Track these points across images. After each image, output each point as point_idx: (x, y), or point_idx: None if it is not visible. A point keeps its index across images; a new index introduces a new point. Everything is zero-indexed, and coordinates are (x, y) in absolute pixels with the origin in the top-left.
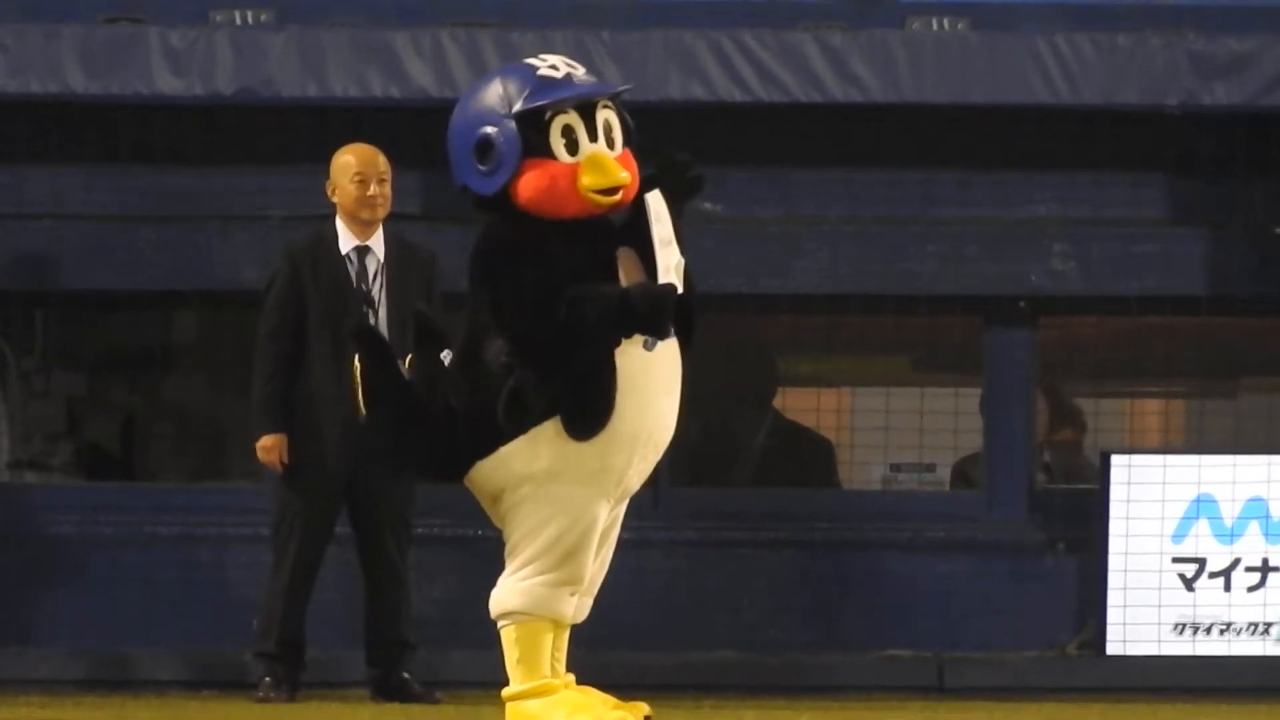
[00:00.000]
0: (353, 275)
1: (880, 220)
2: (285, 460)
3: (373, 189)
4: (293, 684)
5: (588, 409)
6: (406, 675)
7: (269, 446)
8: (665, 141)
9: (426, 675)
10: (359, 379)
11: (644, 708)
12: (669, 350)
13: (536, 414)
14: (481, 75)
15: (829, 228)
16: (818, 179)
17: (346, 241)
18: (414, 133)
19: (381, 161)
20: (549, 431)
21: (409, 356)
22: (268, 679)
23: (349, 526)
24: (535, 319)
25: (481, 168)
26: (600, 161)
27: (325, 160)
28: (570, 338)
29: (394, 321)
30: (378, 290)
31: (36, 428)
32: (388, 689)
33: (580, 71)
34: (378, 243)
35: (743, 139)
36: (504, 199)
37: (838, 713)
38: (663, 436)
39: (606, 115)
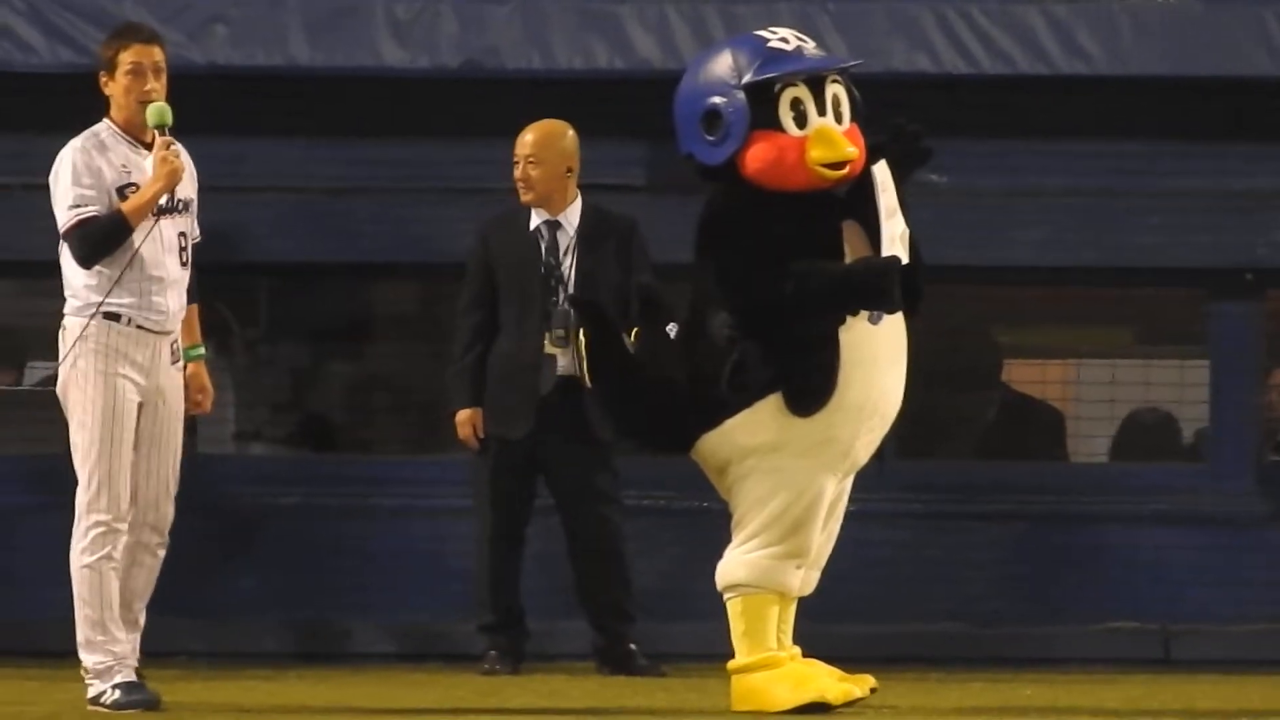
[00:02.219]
0: (542, 249)
1: (1103, 192)
2: (480, 434)
3: (518, 171)
4: (516, 656)
5: (810, 384)
6: (633, 647)
7: (464, 420)
8: (889, 113)
9: (651, 648)
10: (583, 351)
11: (870, 680)
12: (894, 322)
13: (760, 387)
14: (709, 45)
15: (1051, 199)
16: (1041, 150)
17: (537, 216)
18: (638, 105)
19: (528, 142)
20: (773, 404)
21: (633, 329)
22: (492, 652)
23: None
24: (760, 292)
25: (709, 137)
26: (828, 135)
27: None
28: (795, 312)
29: (582, 295)
30: (567, 265)
31: (261, 399)
32: (614, 661)
33: (810, 45)
34: (570, 216)
35: (967, 110)
36: (730, 169)
37: (1061, 685)
38: (889, 409)
39: (835, 89)
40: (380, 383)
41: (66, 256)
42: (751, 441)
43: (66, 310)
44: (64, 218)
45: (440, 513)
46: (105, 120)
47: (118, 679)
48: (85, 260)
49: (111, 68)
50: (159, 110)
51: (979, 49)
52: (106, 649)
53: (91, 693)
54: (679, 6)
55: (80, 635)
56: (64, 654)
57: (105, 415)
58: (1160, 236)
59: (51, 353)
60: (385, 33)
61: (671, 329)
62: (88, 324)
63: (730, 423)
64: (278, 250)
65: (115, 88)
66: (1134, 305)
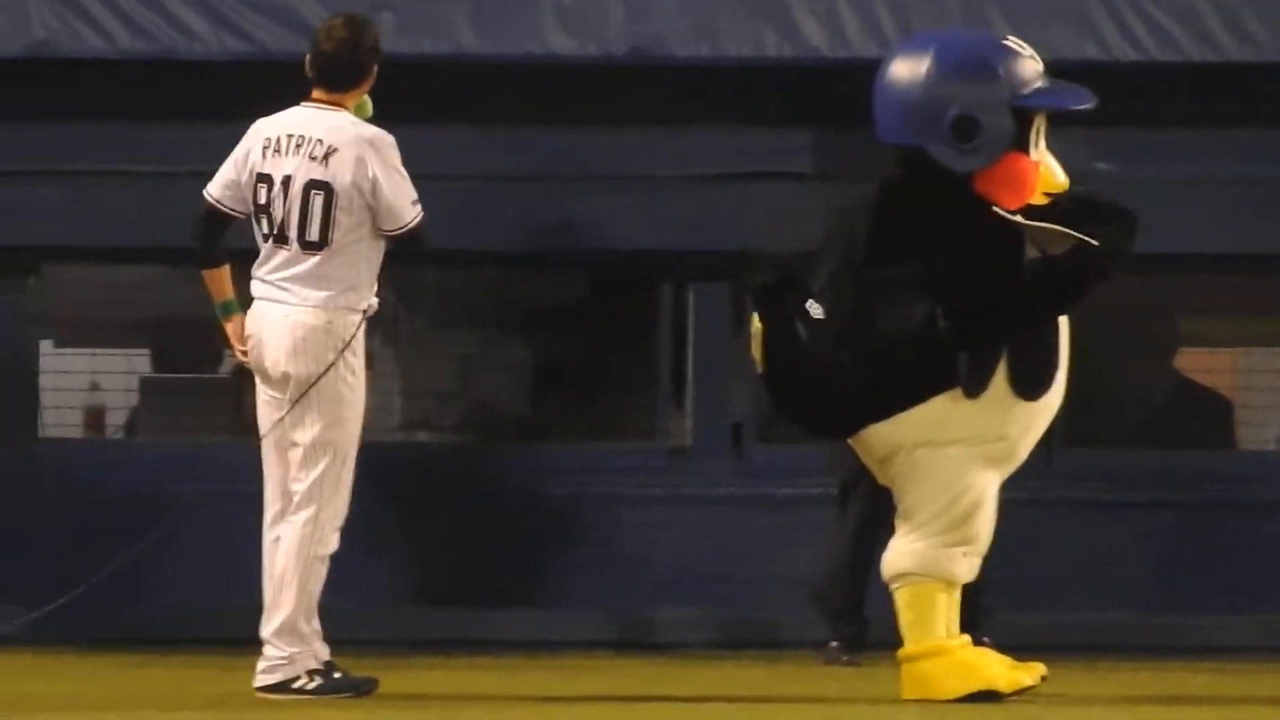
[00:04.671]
0: None
1: (1274, 179)
2: None
3: None
4: (858, 647)
5: (1042, 369)
6: (986, 640)
7: None
8: None
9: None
10: (759, 338)
11: (1039, 668)
12: (1061, 321)
13: (986, 381)
14: (941, 32)
15: (1222, 186)
16: (1211, 137)
17: None
18: (806, 92)
19: None
20: (947, 398)
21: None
22: (834, 643)
23: None
24: (999, 288)
25: (959, 144)
26: (1052, 167)
27: (717, 120)
28: (1032, 305)
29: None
30: None
31: (426, 387)
32: None
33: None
34: None
35: (1137, 98)
36: (956, 174)
37: (1230, 674)
38: (1055, 406)
39: None
40: (547, 371)
41: (345, 255)
42: (926, 434)
43: (327, 305)
44: (413, 212)
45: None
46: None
47: (312, 665)
48: (425, 254)
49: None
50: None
51: (1147, 36)
52: (307, 640)
53: (278, 677)
54: None
55: (283, 621)
56: (231, 642)
57: (361, 415)
58: None
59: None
60: (552, 20)
61: (812, 307)
62: (361, 322)
63: (906, 414)
64: (446, 238)
65: (367, 85)
66: None
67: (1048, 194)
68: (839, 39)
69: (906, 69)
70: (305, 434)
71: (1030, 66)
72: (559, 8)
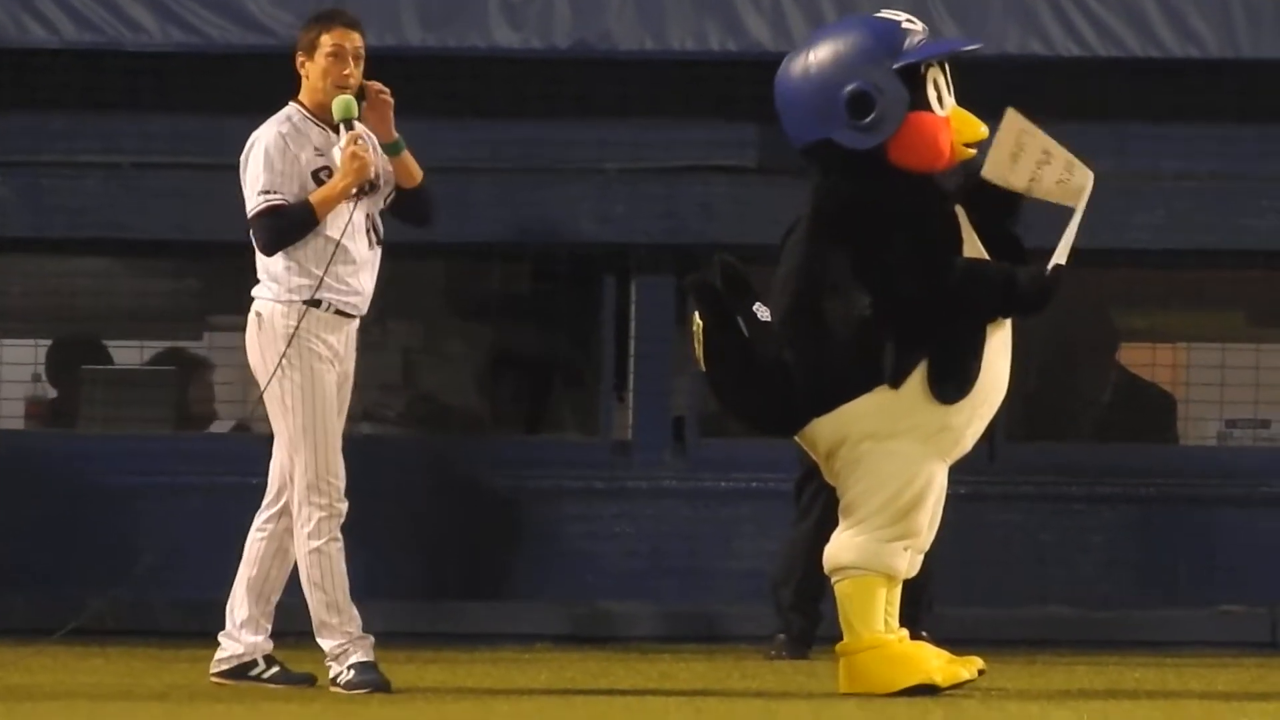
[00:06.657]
0: None
1: (1217, 176)
2: None
3: None
4: (806, 641)
5: (962, 374)
6: (924, 634)
7: None
8: (1003, 95)
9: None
10: (699, 335)
11: (977, 662)
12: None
13: (906, 372)
14: (820, 29)
15: (1166, 183)
16: (1154, 134)
17: None
18: (750, 87)
19: None
20: (886, 390)
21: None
22: (781, 636)
23: None
24: (923, 284)
25: (858, 122)
26: (965, 115)
27: (661, 113)
28: (951, 306)
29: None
30: None
31: (371, 379)
32: None
33: (921, 25)
34: None
35: (1080, 94)
36: (870, 152)
37: (1171, 668)
38: (998, 397)
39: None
40: (490, 363)
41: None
42: (868, 426)
43: (262, 295)
44: (253, 203)
45: (553, 494)
46: (293, 104)
47: (352, 659)
48: (267, 248)
49: (311, 49)
50: (346, 104)
51: (1091, 32)
52: (343, 630)
53: (331, 674)
54: None
55: (315, 619)
56: (178, 634)
57: (312, 402)
58: (1274, 220)
59: (165, 331)
60: (498, 14)
61: (759, 309)
62: (303, 313)
63: (847, 407)
64: (388, 231)
65: (313, 69)
66: (1247, 289)
67: (968, 145)
68: (782, 33)
69: (793, 69)
70: (271, 426)
71: (908, 29)
72: (504, 2)
